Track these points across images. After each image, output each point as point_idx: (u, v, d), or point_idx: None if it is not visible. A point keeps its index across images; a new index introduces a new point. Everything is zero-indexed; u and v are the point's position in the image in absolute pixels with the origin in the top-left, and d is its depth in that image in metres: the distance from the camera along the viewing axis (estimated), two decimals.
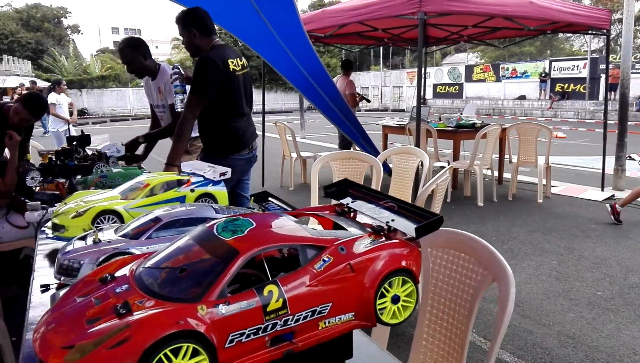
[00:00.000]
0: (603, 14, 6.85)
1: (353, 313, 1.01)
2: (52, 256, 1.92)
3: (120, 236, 1.52)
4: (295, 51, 5.59)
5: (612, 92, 18.82)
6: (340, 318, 1.00)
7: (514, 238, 5.18)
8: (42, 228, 2.17)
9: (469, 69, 30.49)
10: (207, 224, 1.06)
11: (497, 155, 7.53)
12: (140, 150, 3.94)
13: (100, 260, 1.43)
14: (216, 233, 1.00)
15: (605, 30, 7.03)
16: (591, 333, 3.27)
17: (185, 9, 3.12)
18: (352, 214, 1.26)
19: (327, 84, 6.14)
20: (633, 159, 9.19)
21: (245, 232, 1.00)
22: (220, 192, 2.09)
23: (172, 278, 0.93)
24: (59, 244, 1.84)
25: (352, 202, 1.27)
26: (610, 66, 19.35)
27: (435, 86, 31.40)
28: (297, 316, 0.94)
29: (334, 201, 1.35)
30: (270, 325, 0.91)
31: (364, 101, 8.88)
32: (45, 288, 1.49)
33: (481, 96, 28.82)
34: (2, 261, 3.47)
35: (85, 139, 3.39)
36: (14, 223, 3.37)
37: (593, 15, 6.70)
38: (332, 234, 1.08)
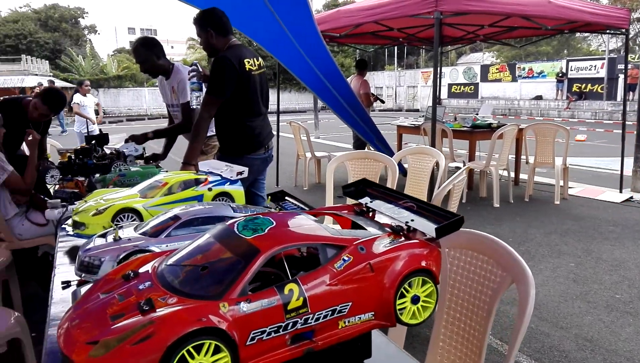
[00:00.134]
0: (622, 13, 6.75)
1: (373, 313, 1.01)
2: (72, 253, 1.94)
3: (140, 234, 1.54)
4: (309, 52, 5.59)
5: (631, 93, 18.52)
6: (360, 318, 1.00)
7: (531, 239, 5.13)
8: (62, 226, 2.20)
9: (485, 68, 30.25)
10: (228, 223, 1.07)
11: (514, 156, 7.47)
12: (160, 149, 3.99)
13: (121, 257, 1.44)
14: (237, 232, 1.01)
15: (624, 30, 6.93)
16: (609, 337, 3.23)
17: (202, 9, 3.14)
18: (370, 214, 1.26)
19: (341, 85, 6.13)
20: None
21: (266, 231, 1.00)
22: (237, 191, 2.10)
23: (194, 276, 0.94)
24: (79, 241, 1.86)
25: (371, 202, 1.27)
26: (629, 66, 19.06)
27: (450, 85, 31.20)
28: (318, 315, 0.94)
29: (349, 201, 1.35)
30: (291, 324, 0.91)
31: (378, 101, 8.86)
32: (66, 284, 1.51)
33: (497, 96, 28.57)
34: (21, 258, 3.52)
35: (103, 139, 3.43)
36: (33, 221, 3.42)
37: (612, 15, 6.61)
38: (352, 233, 1.08)
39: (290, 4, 5.13)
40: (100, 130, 3.66)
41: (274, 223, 1.03)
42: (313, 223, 1.08)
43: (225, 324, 0.84)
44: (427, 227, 1.07)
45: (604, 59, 24.39)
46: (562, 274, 4.24)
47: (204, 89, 3.14)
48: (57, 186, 2.84)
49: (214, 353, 0.83)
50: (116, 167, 2.83)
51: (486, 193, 6.94)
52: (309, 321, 0.93)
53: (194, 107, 3.21)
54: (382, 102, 9.86)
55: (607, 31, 7.59)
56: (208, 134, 3.46)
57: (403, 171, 5.30)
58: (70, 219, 1.98)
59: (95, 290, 1.01)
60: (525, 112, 25.57)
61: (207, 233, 1.07)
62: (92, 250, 1.49)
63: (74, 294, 1.45)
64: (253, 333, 0.88)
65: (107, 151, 3.32)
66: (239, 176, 2.11)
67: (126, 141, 3.43)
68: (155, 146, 4.13)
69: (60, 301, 1.50)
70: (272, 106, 3.70)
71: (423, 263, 1.04)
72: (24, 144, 3.61)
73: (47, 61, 33.82)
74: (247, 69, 3.04)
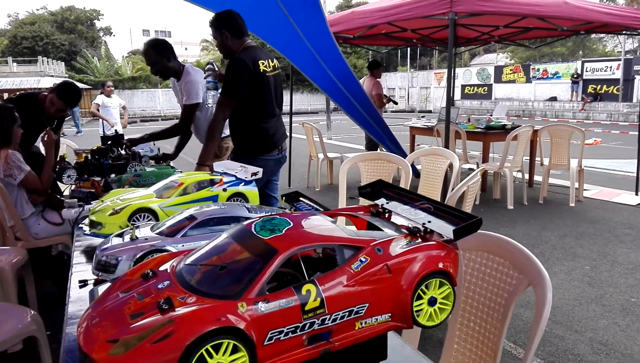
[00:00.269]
0: (639, 13, 6.66)
1: (389, 315, 1.01)
2: (88, 252, 1.96)
3: (156, 233, 1.55)
4: (322, 54, 5.59)
5: None
6: (377, 319, 1.00)
7: (545, 242, 5.09)
8: (79, 225, 2.22)
9: (499, 69, 30.04)
10: (245, 223, 1.07)
11: (528, 157, 7.40)
12: (171, 149, 4.00)
13: (137, 256, 1.46)
14: (254, 232, 1.01)
15: None
16: (625, 341, 3.19)
17: (218, 12, 3.16)
18: (386, 215, 1.26)
19: (354, 86, 6.13)
20: None
21: (283, 231, 1.00)
22: (252, 192, 2.11)
23: (213, 276, 0.94)
24: (95, 241, 1.89)
25: (387, 203, 1.27)
26: None
27: (463, 87, 31.02)
28: (335, 315, 0.94)
29: (362, 201, 1.35)
30: (308, 324, 0.92)
31: (391, 103, 8.84)
32: (83, 283, 1.53)
33: (510, 97, 28.35)
34: (37, 257, 3.56)
35: (118, 139, 3.46)
36: (49, 220, 3.46)
37: (628, 15, 6.52)
38: (369, 234, 1.09)
39: (303, 5, 5.13)
40: (116, 131, 3.70)
41: (291, 224, 1.04)
42: (330, 224, 1.09)
43: (243, 324, 0.85)
44: (445, 229, 1.07)
45: (619, 60, 24.09)
46: (577, 277, 4.20)
47: (220, 89, 3.16)
48: (74, 186, 2.88)
49: (232, 353, 0.83)
50: (132, 167, 2.86)
51: (500, 194, 6.89)
52: (326, 322, 0.94)
53: (209, 106, 3.23)
54: (395, 103, 9.84)
55: (624, 32, 7.50)
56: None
57: (415, 173, 5.29)
58: (87, 218, 2.00)
59: (114, 289, 1.02)
60: (539, 113, 25.34)
61: (225, 233, 1.08)
62: (109, 249, 1.50)
63: (91, 293, 1.46)
64: (271, 333, 0.88)
65: (123, 152, 3.35)
66: (254, 177, 2.12)
67: (125, 146, 3.42)
68: (168, 146, 4.15)
69: (77, 300, 1.52)
70: (285, 107, 3.70)
71: (440, 265, 1.03)
72: (38, 139, 3.66)
73: (63, 63, 34.23)
74: (262, 71, 3.05)
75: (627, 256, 4.64)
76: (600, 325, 3.40)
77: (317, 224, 1.08)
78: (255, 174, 2.12)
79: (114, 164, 3.05)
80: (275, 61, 3.23)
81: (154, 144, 3.66)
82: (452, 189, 3.55)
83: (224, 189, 2.05)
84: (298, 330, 0.91)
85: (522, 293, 1.55)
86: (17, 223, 3.32)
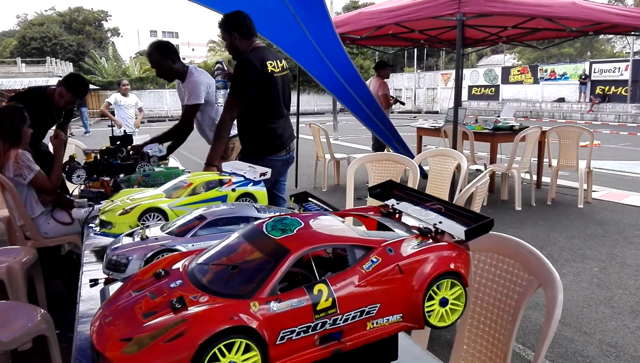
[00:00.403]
0: None
1: (401, 315, 1.01)
2: (98, 252, 1.97)
3: (166, 233, 1.55)
4: (329, 55, 5.59)
5: None
6: (388, 320, 1.00)
7: (554, 243, 5.06)
8: (89, 225, 2.24)
9: (506, 70, 29.92)
10: (256, 223, 1.07)
11: (536, 159, 7.37)
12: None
13: (148, 256, 1.46)
14: (266, 232, 1.01)
15: None
16: (634, 343, 3.17)
17: (227, 13, 3.17)
18: (397, 216, 1.26)
19: (360, 87, 6.13)
20: None
21: (295, 231, 1.00)
22: (260, 192, 2.11)
23: (225, 275, 0.95)
24: (105, 240, 1.90)
25: (397, 203, 1.27)
26: None
27: (470, 87, 30.92)
28: (346, 315, 0.94)
29: (370, 201, 1.35)
30: (320, 324, 0.92)
31: (398, 103, 8.82)
32: (94, 282, 1.54)
33: (518, 98, 28.23)
34: (46, 256, 3.59)
35: (127, 139, 3.48)
36: (58, 220, 3.48)
37: (637, 16, 6.49)
38: (380, 235, 1.08)
39: (309, 5, 5.13)
40: (124, 131, 3.71)
41: (302, 224, 1.04)
42: (341, 224, 1.09)
43: (255, 323, 0.85)
44: (456, 229, 1.07)
45: (628, 61, 23.92)
46: (585, 279, 4.17)
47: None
48: (83, 186, 2.89)
49: (244, 352, 0.84)
50: (140, 167, 2.87)
51: (507, 196, 6.86)
52: (338, 322, 0.94)
53: (218, 104, 3.24)
54: (403, 104, 9.82)
55: (632, 33, 7.45)
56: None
57: (423, 174, 5.28)
58: (97, 218, 2.01)
59: (126, 288, 1.02)
60: (547, 114, 25.22)
61: (236, 233, 1.08)
62: (120, 249, 1.51)
63: (102, 292, 1.47)
64: (283, 333, 0.88)
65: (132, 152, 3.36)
66: (262, 177, 2.12)
67: (127, 150, 3.42)
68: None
69: (88, 299, 1.53)
70: (292, 107, 3.71)
71: (452, 266, 1.03)
72: (47, 137, 3.68)
73: (71, 63, 34.43)
74: (270, 71, 3.06)
75: (636, 258, 4.61)
76: (609, 327, 3.38)
77: (328, 224, 1.08)
78: (263, 174, 2.12)
79: (123, 164, 3.06)
80: (283, 61, 3.23)
81: (162, 145, 3.66)
82: (460, 190, 3.54)
83: (233, 190, 2.05)
84: (310, 330, 0.91)
85: (530, 295, 1.55)
86: (26, 222, 3.34)
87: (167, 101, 31.13)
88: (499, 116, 7.99)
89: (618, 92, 23.94)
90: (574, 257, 4.68)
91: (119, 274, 1.48)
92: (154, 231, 1.59)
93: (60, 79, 3.92)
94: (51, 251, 3.68)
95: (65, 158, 3.24)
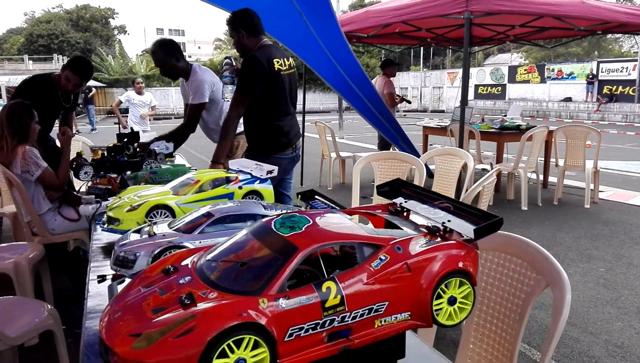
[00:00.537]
0: None
1: (409, 313, 1.01)
2: (106, 248, 1.98)
3: (174, 230, 1.56)
4: (335, 54, 5.59)
5: None
6: (396, 318, 1.00)
7: (560, 243, 5.04)
8: (97, 221, 2.25)
9: (513, 69, 29.78)
10: (264, 221, 1.08)
11: (542, 158, 7.34)
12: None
13: (155, 252, 1.47)
14: (274, 229, 1.01)
15: None
16: None
17: (235, 10, 3.17)
18: (405, 214, 1.26)
19: (366, 86, 6.12)
20: None
21: (303, 229, 1.01)
22: (267, 189, 2.12)
23: (234, 272, 0.95)
24: (113, 236, 1.90)
25: (405, 202, 1.27)
26: None
27: (477, 86, 30.81)
28: (355, 313, 0.94)
29: (375, 200, 1.34)
30: (328, 321, 0.92)
31: (404, 102, 8.81)
32: (101, 278, 1.55)
33: (525, 98, 28.10)
34: (53, 252, 3.60)
35: (134, 137, 3.49)
36: (66, 216, 3.49)
37: None
38: (388, 233, 1.08)
39: (315, 3, 5.13)
40: (131, 128, 3.72)
41: (311, 222, 1.04)
42: (349, 222, 1.09)
43: (264, 319, 0.85)
44: (465, 228, 1.07)
45: (636, 60, 23.76)
46: (592, 279, 4.15)
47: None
48: (90, 183, 2.90)
49: (253, 348, 0.84)
50: (147, 164, 2.88)
51: (514, 195, 6.84)
52: (346, 319, 0.94)
53: (225, 100, 3.24)
54: (409, 102, 9.79)
55: None
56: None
57: (429, 173, 5.26)
58: (104, 215, 2.02)
59: (135, 285, 1.03)
60: (554, 114, 25.10)
61: (245, 230, 1.08)
62: (128, 245, 1.52)
63: (110, 288, 1.48)
64: (291, 330, 0.88)
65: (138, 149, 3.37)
66: (269, 175, 2.13)
67: (134, 147, 3.42)
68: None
69: (96, 295, 1.54)
70: (298, 106, 3.70)
71: (460, 264, 1.03)
72: (53, 132, 3.69)
73: None
74: (276, 69, 3.06)
75: None
76: (615, 327, 3.36)
77: (337, 222, 1.08)
78: (270, 172, 2.13)
79: (130, 161, 3.08)
80: (290, 59, 3.23)
81: (169, 142, 3.67)
82: (466, 189, 3.53)
83: (240, 187, 2.05)
84: (318, 327, 0.91)
85: (538, 295, 1.54)
86: (34, 218, 3.36)
87: (173, 99, 31.18)
88: (505, 116, 7.96)
89: (625, 92, 23.78)
90: (581, 257, 4.66)
91: (126, 270, 1.48)
92: (162, 227, 1.60)
93: (64, 63, 3.92)
94: (58, 247, 3.69)
95: (73, 155, 3.26)
